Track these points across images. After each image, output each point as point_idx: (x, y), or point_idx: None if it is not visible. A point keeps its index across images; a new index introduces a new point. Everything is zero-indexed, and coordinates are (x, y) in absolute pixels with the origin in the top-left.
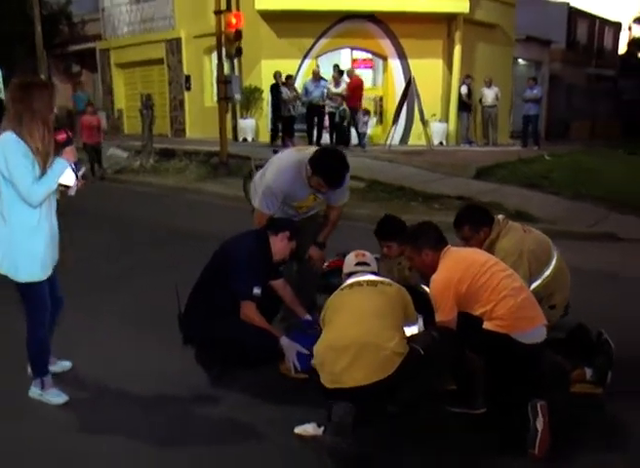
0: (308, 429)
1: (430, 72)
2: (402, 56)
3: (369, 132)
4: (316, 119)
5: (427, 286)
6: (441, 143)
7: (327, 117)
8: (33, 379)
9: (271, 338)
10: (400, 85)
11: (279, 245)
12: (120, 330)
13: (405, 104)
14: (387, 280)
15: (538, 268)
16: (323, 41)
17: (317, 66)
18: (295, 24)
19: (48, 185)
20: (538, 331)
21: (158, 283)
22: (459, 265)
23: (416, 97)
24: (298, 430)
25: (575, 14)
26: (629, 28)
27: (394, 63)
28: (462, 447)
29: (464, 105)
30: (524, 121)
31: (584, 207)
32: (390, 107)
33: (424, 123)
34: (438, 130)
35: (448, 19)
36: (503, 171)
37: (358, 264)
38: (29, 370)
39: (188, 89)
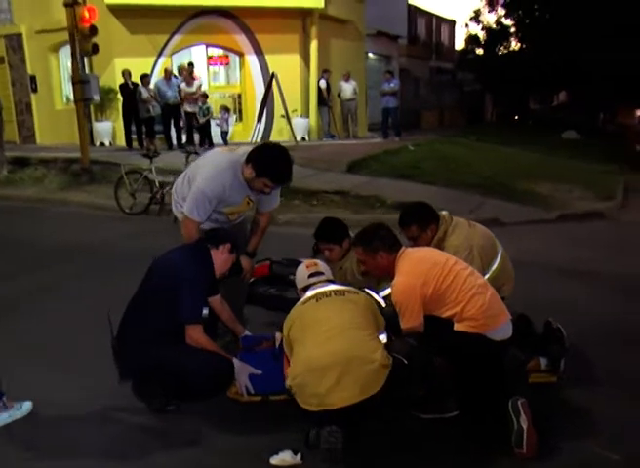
0: (286, 458)
1: (288, 68)
2: (259, 51)
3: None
4: (173, 120)
5: (373, 290)
6: (304, 139)
7: (184, 118)
8: None
9: (227, 362)
10: (259, 81)
11: (220, 258)
12: (32, 359)
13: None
14: (351, 288)
15: (487, 262)
16: (177, 37)
17: (171, 65)
18: (147, 20)
19: None
20: (507, 327)
21: (65, 305)
22: (420, 268)
23: (280, 93)
24: (274, 461)
25: (414, 11)
26: (466, 26)
27: (251, 59)
28: (447, 453)
29: (324, 100)
30: (383, 114)
31: (460, 195)
32: (250, 104)
33: (289, 119)
34: (300, 125)
35: (303, 15)
36: (374, 163)
37: (312, 275)
38: None
39: (34, 90)
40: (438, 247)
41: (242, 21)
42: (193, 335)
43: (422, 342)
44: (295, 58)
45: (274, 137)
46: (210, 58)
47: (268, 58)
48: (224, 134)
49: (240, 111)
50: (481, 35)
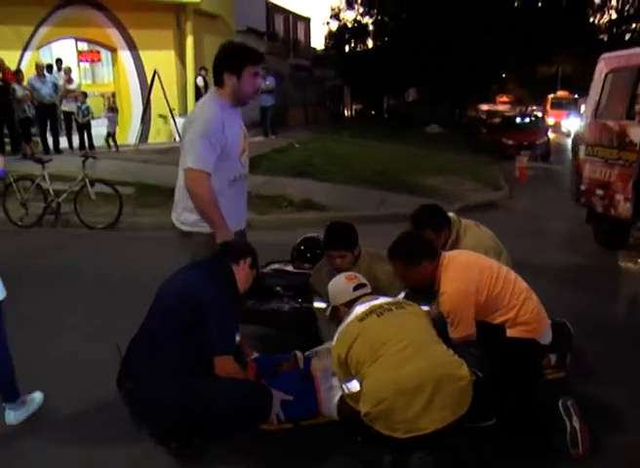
0: None
1: (163, 65)
2: (132, 47)
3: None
4: (49, 121)
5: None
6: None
7: (63, 118)
8: (12, 403)
9: (266, 391)
10: (133, 79)
11: (242, 276)
12: None
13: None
14: (404, 300)
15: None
16: (43, 30)
17: (40, 60)
18: (10, 9)
19: None
20: (550, 330)
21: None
22: (469, 273)
23: (162, 92)
24: None
25: (272, 8)
26: (327, 23)
27: (125, 56)
28: (500, 462)
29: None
30: (261, 112)
31: (361, 191)
32: (125, 104)
33: (174, 118)
34: (179, 125)
35: (176, 9)
36: (266, 162)
37: (357, 288)
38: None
39: None
40: (452, 250)
41: (113, 14)
42: (225, 367)
43: (485, 353)
44: (170, 55)
45: (152, 138)
46: (80, 53)
47: (143, 54)
48: (109, 135)
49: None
50: (341, 32)
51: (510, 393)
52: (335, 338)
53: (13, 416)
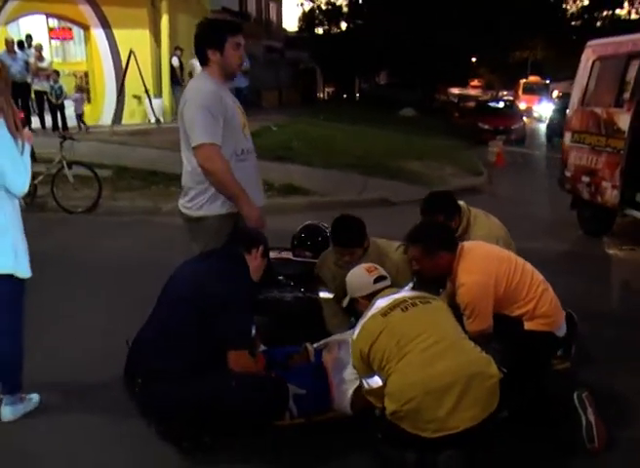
0: None
1: (138, 44)
2: (106, 25)
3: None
4: (21, 101)
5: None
6: (158, 121)
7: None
8: (10, 397)
9: (283, 384)
10: (107, 58)
11: (254, 265)
12: None
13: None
14: (427, 294)
15: None
16: (12, 4)
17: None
18: None
19: (29, 172)
20: (564, 323)
21: None
22: (487, 265)
23: (139, 72)
24: None
25: None
26: (301, 4)
27: (98, 34)
28: (520, 455)
29: (177, 79)
30: (236, 94)
31: (343, 176)
32: (99, 84)
33: (150, 98)
34: (154, 106)
35: None
36: None
37: (377, 281)
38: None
39: None
40: (462, 238)
41: None
42: (240, 361)
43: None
44: (145, 34)
45: (126, 120)
46: (51, 30)
47: (117, 33)
48: (79, 116)
49: (88, 91)
50: (314, 14)
51: (527, 386)
52: (356, 333)
53: (10, 412)
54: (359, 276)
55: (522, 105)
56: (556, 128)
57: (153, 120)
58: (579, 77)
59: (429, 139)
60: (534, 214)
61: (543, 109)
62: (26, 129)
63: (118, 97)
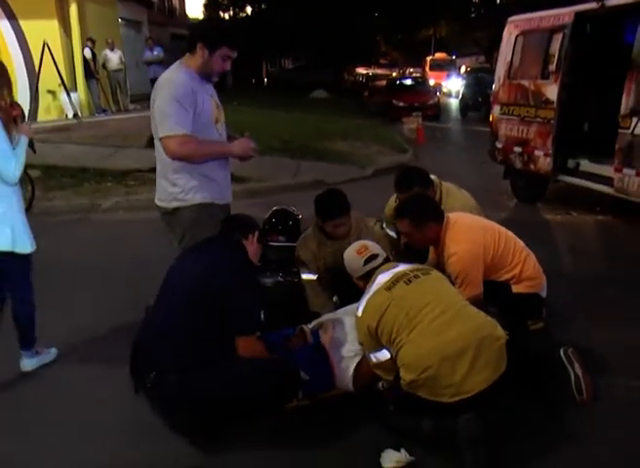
0: (400, 458)
1: (47, 35)
2: (11, 16)
3: None
4: None
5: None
6: (76, 115)
7: None
8: (26, 352)
9: (293, 368)
10: (15, 51)
11: (252, 249)
12: None
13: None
14: (424, 266)
15: None
16: None
17: None
18: None
19: (23, 161)
20: (546, 284)
21: None
22: (477, 235)
23: (54, 65)
24: (389, 464)
25: None
26: None
27: (3, 25)
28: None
29: (91, 72)
30: (152, 84)
31: (275, 160)
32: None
33: (69, 92)
34: (73, 100)
35: None
36: None
37: (368, 261)
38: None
39: None
40: None
41: None
42: (249, 346)
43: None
44: (53, 25)
45: (42, 117)
46: None
47: (23, 24)
48: None
49: None
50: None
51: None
52: (360, 309)
53: (28, 364)
54: (351, 259)
55: (431, 82)
56: (469, 102)
57: (71, 115)
58: (502, 51)
59: (347, 120)
60: (466, 186)
61: (452, 85)
62: (24, 123)
63: (35, 92)
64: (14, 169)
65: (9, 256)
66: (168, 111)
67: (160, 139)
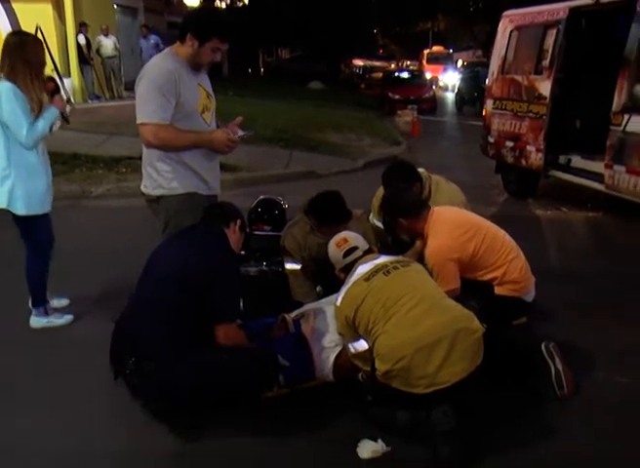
0: (376, 449)
1: (41, 20)
2: None
3: None
4: None
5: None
6: (69, 100)
7: None
8: (35, 309)
9: (271, 354)
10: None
11: (234, 238)
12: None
13: None
14: (405, 258)
15: None
16: None
17: None
18: None
19: (41, 131)
20: (534, 288)
21: None
22: (455, 230)
23: (47, 50)
24: (365, 454)
25: None
26: None
27: None
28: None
29: (85, 57)
30: None
31: (267, 150)
32: None
33: (62, 78)
34: (66, 85)
35: None
36: None
37: (347, 254)
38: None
39: None
40: None
41: None
42: (229, 334)
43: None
44: (47, 9)
45: None
46: None
47: (16, 7)
48: None
49: None
50: None
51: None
52: (339, 299)
53: (35, 321)
54: (331, 252)
55: (427, 75)
56: (465, 96)
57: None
58: (497, 46)
59: (342, 111)
60: (457, 180)
61: (449, 78)
62: (58, 95)
63: None
64: (25, 135)
65: (11, 214)
66: (147, 98)
67: (138, 125)
